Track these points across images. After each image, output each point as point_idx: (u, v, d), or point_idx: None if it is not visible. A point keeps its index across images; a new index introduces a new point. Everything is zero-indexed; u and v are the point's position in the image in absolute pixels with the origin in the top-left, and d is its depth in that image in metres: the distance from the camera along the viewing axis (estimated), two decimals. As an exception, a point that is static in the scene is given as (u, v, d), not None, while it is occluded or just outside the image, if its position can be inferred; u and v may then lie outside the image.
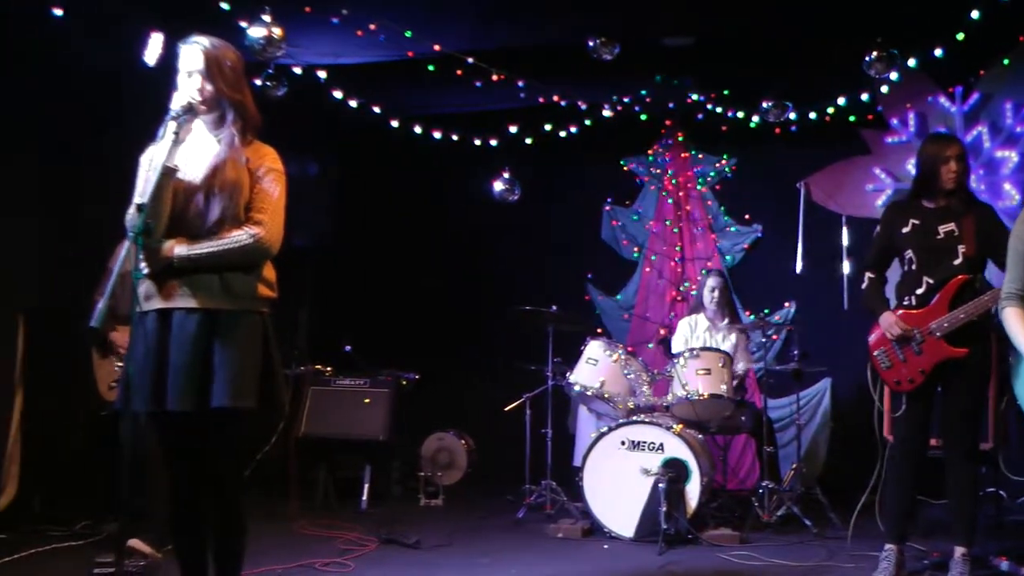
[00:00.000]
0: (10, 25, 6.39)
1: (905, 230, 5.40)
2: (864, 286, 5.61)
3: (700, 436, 7.11)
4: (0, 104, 6.56)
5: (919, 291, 5.34)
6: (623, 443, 6.75)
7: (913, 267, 5.39)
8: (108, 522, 6.48)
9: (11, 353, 6.65)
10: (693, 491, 6.53)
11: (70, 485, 6.98)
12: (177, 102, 3.75)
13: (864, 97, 8.43)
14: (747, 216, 9.59)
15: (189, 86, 3.84)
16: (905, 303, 5.40)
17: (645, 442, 6.69)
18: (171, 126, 3.66)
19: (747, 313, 9.13)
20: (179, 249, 3.72)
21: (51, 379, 6.95)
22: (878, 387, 5.59)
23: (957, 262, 5.26)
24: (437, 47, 7.30)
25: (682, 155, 9.85)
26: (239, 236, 3.77)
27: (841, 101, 8.50)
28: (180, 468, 3.91)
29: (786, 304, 9.16)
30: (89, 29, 6.55)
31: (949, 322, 5.20)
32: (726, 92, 8.75)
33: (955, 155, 5.35)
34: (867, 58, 7.16)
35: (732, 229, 9.62)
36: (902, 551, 5.40)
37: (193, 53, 3.86)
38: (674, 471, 6.49)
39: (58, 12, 6.12)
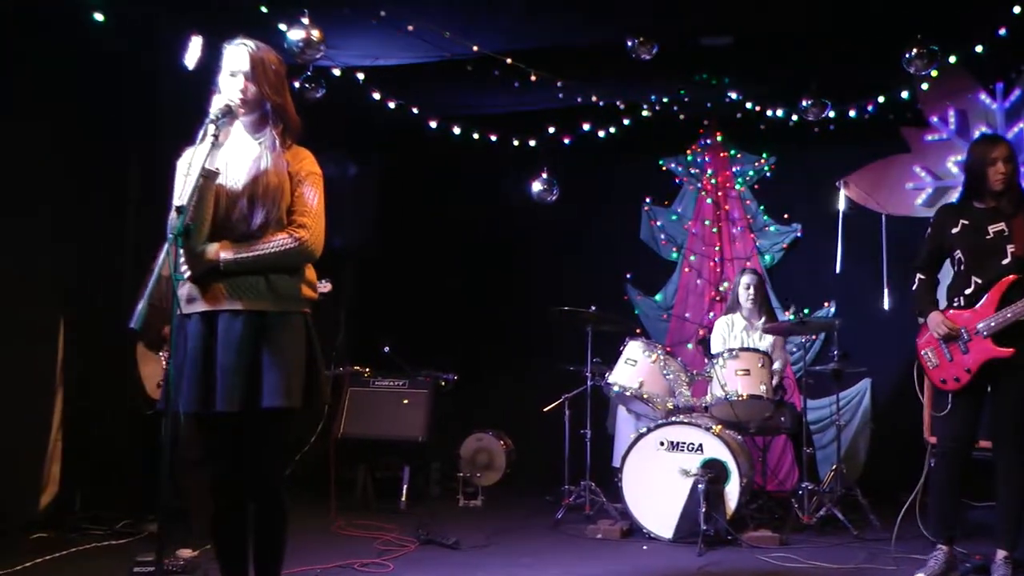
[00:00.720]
0: (51, 27, 6.44)
1: (955, 230, 5.41)
2: (914, 287, 5.62)
3: (739, 437, 7.08)
4: (44, 108, 6.62)
5: (968, 291, 5.34)
6: (662, 444, 6.73)
7: (962, 267, 5.39)
8: (149, 521, 6.55)
9: (52, 354, 6.71)
10: (732, 492, 6.50)
11: (111, 484, 7.05)
12: (216, 104, 3.77)
13: (904, 95, 8.34)
14: (786, 215, 9.53)
15: (232, 87, 3.85)
16: (955, 304, 5.40)
17: (684, 443, 6.67)
18: (210, 129, 3.67)
19: (786, 313, 9.06)
20: (225, 254, 3.74)
21: (91, 380, 7.03)
22: (925, 388, 5.60)
23: (1006, 262, 5.24)
24: (475, 48, 7.28)
25: (721, 154, 9.81)
26: (283, 240, 3.80)
27: (880, 99, 8.42)
28: (223, 468, 3.93)
29: (825, 304, 9.10)
30: (128, 32, 6.60)
31: (996, 322, 5.19)
32: (765, 91, 8.69)
33: (1002, 156, 5.34)
34: (906, 55, 7.08)
35: (771, 229, 9.56)
36: (952, 552, 5.36)
37: (239, 54, 3.88)
38: (713, 472, 6.47)
39: (99, 17, 6.16)
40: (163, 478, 3.44)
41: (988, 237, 5.30)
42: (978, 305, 5.27)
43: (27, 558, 5.65)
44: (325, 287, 7.38)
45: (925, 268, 5.59)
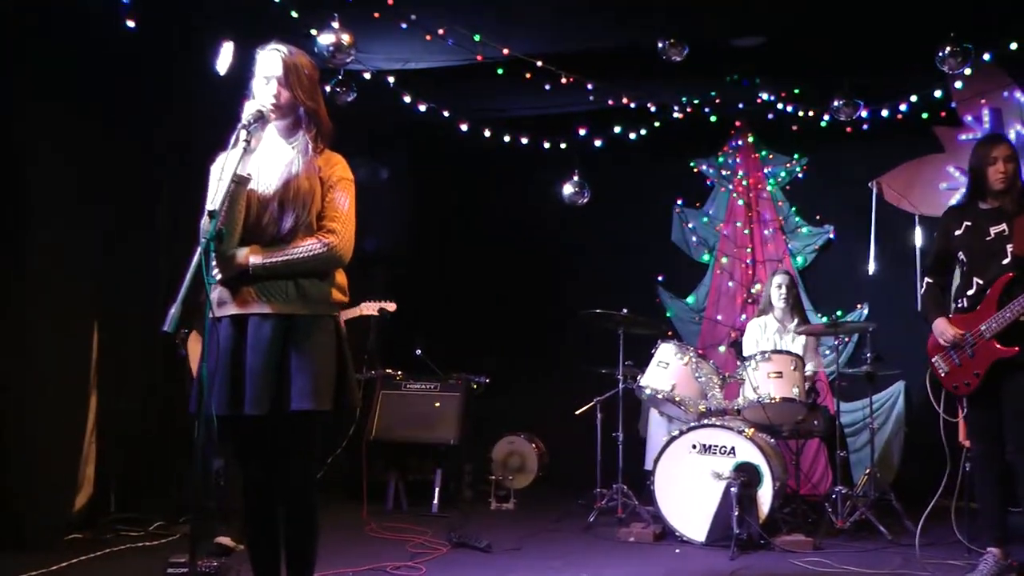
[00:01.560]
0: (90, 32, 6.49)
1: (958, 232, 5.44)
2: (923, 292, 5.66)
3: (772, 440, 7.04)
4: (83, 112, 6.67)
5: (970, 293, 5.35)
6: (694, 447, 6.70)
7: (965, 269, 5.41)
8: (182, 522, 6.62)
9: (86, 356, 6.74)
10: (765, 496, 6.46)
11: (145, 485, 7.09)
12: (249, 110, 3.78)
13: (937, 93, 8.26)
14: (818, 217, 9.47)
15: (266, 92, 3.88)
16: (958, 305, 5.43)
17: (716, 446, 6.64)
18: (242, 134, 3.68)
19: (819, 316, 9.02)
20: (255, 258, 3.77)
21: (125, 382, 7.07)
22: (942, 394, 5.62)
23: (1005, 261, 5.24)
24: (506, 51, 7.28)
25: (752, 156, 9.76)
26: (313, 245, 3.82)
27: (913, 98, 8.34)
28: (254, 470, 3.95)
29: (858, 306, 9.04)
30: (161, 39, 6.64)
31: (997, 322, 5.20)
32: (796, 91, 8.64)
33: (1003, 156, 5.37)
34: (940, 53, 7.01)
35: (803, 230, 9.51)
36: (1007, 555, 5.31)
37: (272, 59, 3.90)
38: (746, 475, 6.44)
39: (131, 24, 6.20)
40: (196, 479, 3.45)
41: (989, 238, 5.31)
42: (980, 307, 5.28)
43: (62, 558, 5.69)
44: (390, 307, 7.45)
45: (933, 272, 5.63)
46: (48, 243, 6.39)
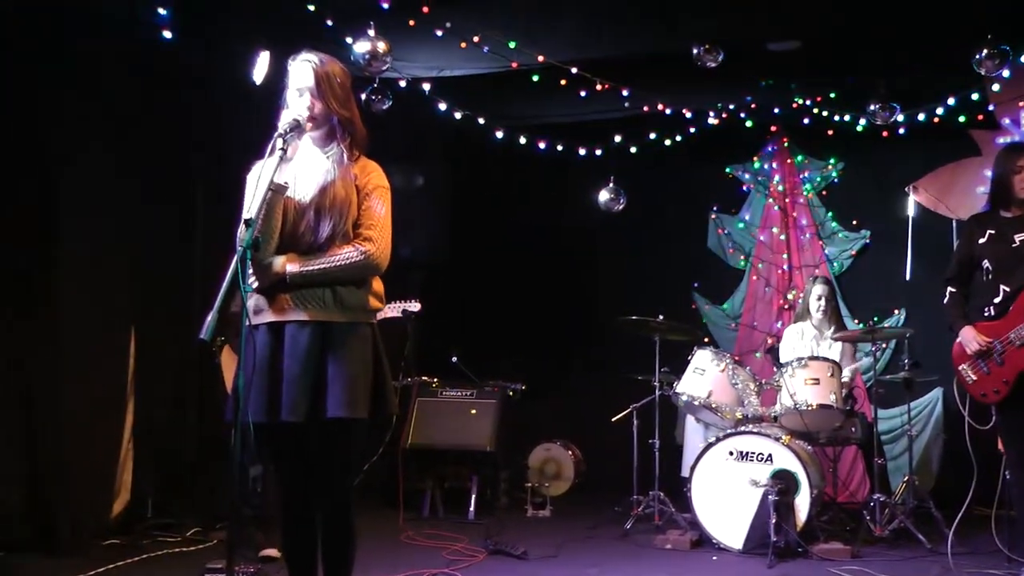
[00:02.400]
0: (130, 40, 6.55)
1: (982, 240, 5.45)
2: (945, 300, 5.68)
3: (809, 447, 6.99)
4: (120, 120, 6.72)
5: (996, 300, 5.36)
6: (731, 454, 6.67)
7: (990, 276, 5.42)
8: (219, 528, 6.65)
9: (123, 365, 6.79)
10: (803, 503, 6.41)
11: (182, 492, 7.13)
12: (285, 119, 3.78)
13: (974, 96, 8.19)
14: (855, 222, 9.40)
15: (299, 104, 3.88)
16: (985, 313, 5.43)
17: (753, 453, 6.60)
18: (278, 143, 3.68)
19: (856, 321, 8.95)
20: (291, 266, 3.78)
21: (162, 389, 7.12)
22: (967, 402, 5.63)
23: None
24: (541, 58, 7.27)
25: (788, 161, 9.69)
26: (349, 253, 3.82)
27: (951, 101, 8.26)
28: (291, 477, 3.96)
29: (895, 311, 8.96)
30: (196, 48, 6.68)
31: None
32: (832, 95, 8.58)
33: None
34: (977, 55, 6.94)
35: (840, 235, 9.44)
36: None
37: (303, 71, 3.90)
38: (783, 483, 6.39)
39: (167, 35, 6.24)
40: (232, 486, 3.45)
41: (1015, 246, 5.33)
42: (1008, 314, 5.28)
43: (100, 564, 5.74)
44: (414, 307, 7.46)
45: (955, 280, 5.64)
46: (84, 251, 6.44)
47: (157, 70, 6.75)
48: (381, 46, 6.47)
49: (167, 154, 7.10)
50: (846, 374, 7.51)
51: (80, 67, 6.40)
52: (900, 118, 8.31)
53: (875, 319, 8.79)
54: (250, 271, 3.75)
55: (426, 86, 7.70)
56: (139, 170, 6.83)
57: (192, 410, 7.29)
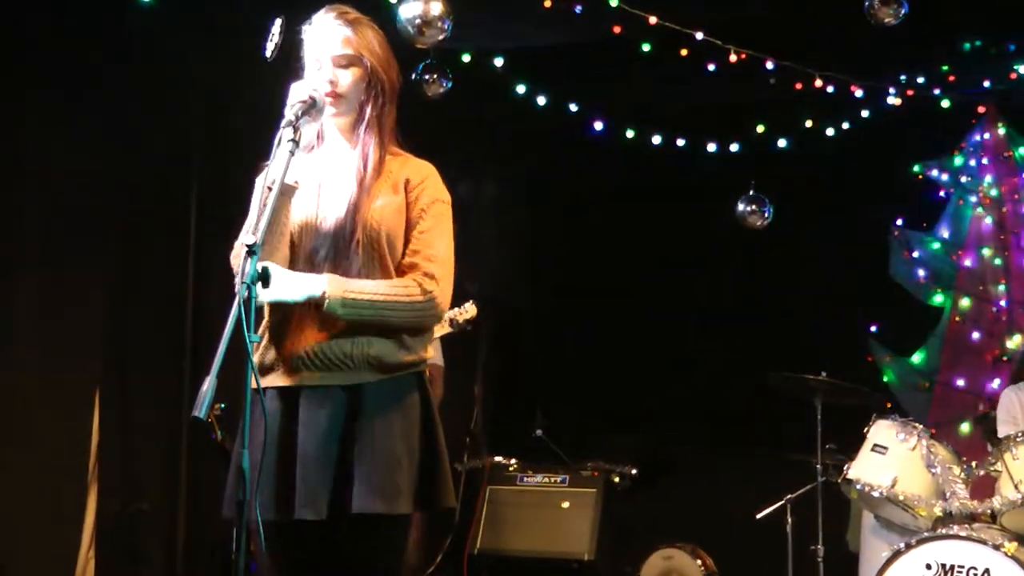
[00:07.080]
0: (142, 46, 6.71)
1: None
2: None
3: (1044, 557, 6.84)
4: (80, 110, 6.86)
5: None
6: (929, 567, 6.54)
7: None
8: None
9: (83, 440, 6.84)
10: (1035, 637, 6.27)
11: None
12: (296, 96, 3.70)
13: None
14: (1102, 240, 9.30)
15: (318, 77, 3.84)
16: None
17: (963, 567, 6.46)
18: (286, 133, 3.59)
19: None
20: (332, 289, 3.65)
21: (137, 475, 7.20)
22: None
23: None
24: (653, 19, 7.26)
25: (1005, 154, 9.59)
26: (411, 287, 3.75)
27: None
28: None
29: None
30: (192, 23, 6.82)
31: None
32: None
33: None
34: None
35: (1079, 259, 9.34)
36: None
37: (325, 31, 3.87)
38: (1007, 609, 6.26)
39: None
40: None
41: None
42: None
43: None
44: (468, 312, 7.28)
45: None
46: (33, 293, 6.53)
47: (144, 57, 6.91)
48: (436, 7, 6.48)
49: (154, 155, 7.24)
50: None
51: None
52: None
53: None
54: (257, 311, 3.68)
55: (498, 61, 7.73)
56: (115, 177, 6.99)
57: (178, 503, 7.33)
